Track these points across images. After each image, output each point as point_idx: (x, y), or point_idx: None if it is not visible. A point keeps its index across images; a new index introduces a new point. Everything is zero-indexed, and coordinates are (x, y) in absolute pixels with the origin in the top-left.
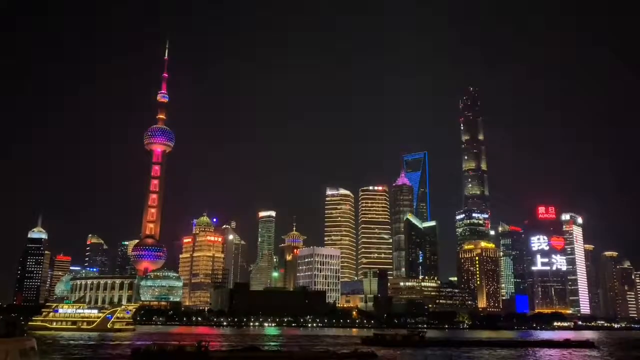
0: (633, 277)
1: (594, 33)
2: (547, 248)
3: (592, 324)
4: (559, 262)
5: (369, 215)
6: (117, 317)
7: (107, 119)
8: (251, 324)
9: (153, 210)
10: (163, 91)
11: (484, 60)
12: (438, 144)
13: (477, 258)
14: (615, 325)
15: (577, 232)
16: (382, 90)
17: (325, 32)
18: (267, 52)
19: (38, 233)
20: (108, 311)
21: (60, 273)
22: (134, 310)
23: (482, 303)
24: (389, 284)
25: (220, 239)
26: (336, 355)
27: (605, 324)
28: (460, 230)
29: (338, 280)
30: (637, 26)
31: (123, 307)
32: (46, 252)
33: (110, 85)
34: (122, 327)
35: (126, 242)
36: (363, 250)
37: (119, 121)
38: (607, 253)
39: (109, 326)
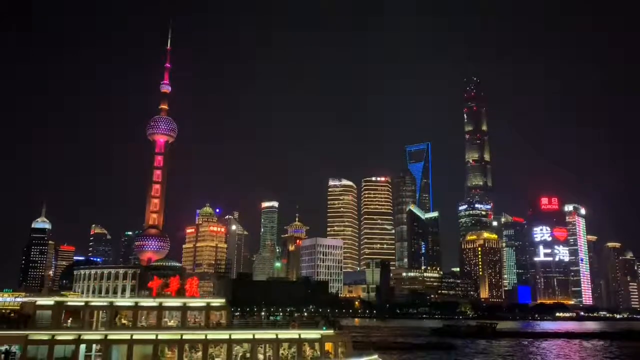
0: (636, 268)
1: (593, 32)
2: (549, 239)
3: (594, 314)
4: (562, 253)
5: (372, 206)
6: None
7: (108, 111)
8: (255, 314)
9: (156, 200)
10: (165, 81)
11: (485, 55)
12: (441, 135)
13: (479, 249)
14: (617, 316)
15: (580, 223)
16: (383, 86)
17: (326, 31)
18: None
19: (42, 223)
20: None
21: (64, 263)
22: None
23: (484, 293)
24: (391, 275)
25: (223, 230)
26: (414, 346)
27: (608, 315)
28: (462, 221)
29: (341, 270)
30: (637, 26)
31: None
32: (50, 242)
33: (111, 78)
34: None
35: (129, 232)
36: (365, 240)
37: (121, 112)
38: (610, 244)
39: None
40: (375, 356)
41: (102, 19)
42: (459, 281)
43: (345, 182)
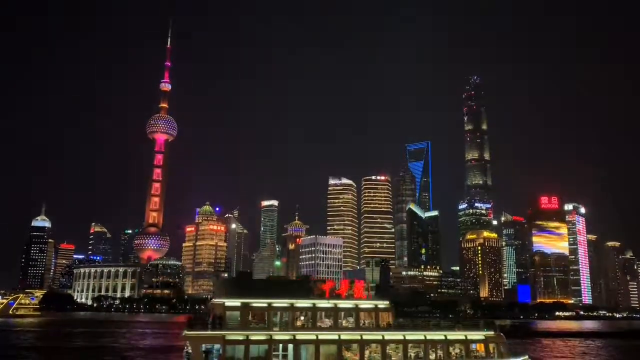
0: (635, 267)
1: (593, 32)
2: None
3: (594, 313)
4: (562, 252)
5: (372, 205)
6: (20, 304)
7: (108, 110)
8: None
9: (156, 199)
10: (166, 80)
11: (485, 55)
12: (441, 134)
13: (479, 248)
14: (617, 315)
15: (580, 222)
16: (382, 86)
17: (325, 32)
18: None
19: (42, 221)
20: (10, 297)
21: (64, 261)
22: (40, 296)
23: (484, 292)
24: (391, 273)
25: (222, 228)
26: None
27: (607, 314)
28: (462, 219)
29: (340, 269)
30: (636, 26)
31: (27, 293)
32: (50, 240)
33: (111, 77)
34: (26, 314)
35: (129, 231)
36: (365, 239)
37: (121, 110)
38: (610, 243)
39: (11, 312)
40: (526, 356)
41: (102, 19)
42: (458, 280)
43: (345, 180)
